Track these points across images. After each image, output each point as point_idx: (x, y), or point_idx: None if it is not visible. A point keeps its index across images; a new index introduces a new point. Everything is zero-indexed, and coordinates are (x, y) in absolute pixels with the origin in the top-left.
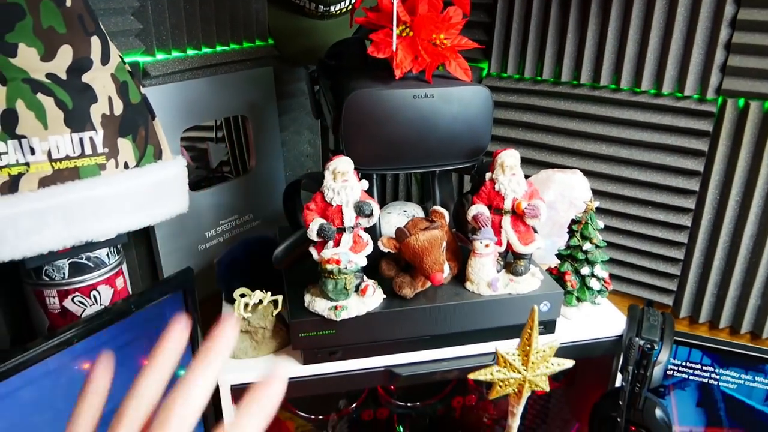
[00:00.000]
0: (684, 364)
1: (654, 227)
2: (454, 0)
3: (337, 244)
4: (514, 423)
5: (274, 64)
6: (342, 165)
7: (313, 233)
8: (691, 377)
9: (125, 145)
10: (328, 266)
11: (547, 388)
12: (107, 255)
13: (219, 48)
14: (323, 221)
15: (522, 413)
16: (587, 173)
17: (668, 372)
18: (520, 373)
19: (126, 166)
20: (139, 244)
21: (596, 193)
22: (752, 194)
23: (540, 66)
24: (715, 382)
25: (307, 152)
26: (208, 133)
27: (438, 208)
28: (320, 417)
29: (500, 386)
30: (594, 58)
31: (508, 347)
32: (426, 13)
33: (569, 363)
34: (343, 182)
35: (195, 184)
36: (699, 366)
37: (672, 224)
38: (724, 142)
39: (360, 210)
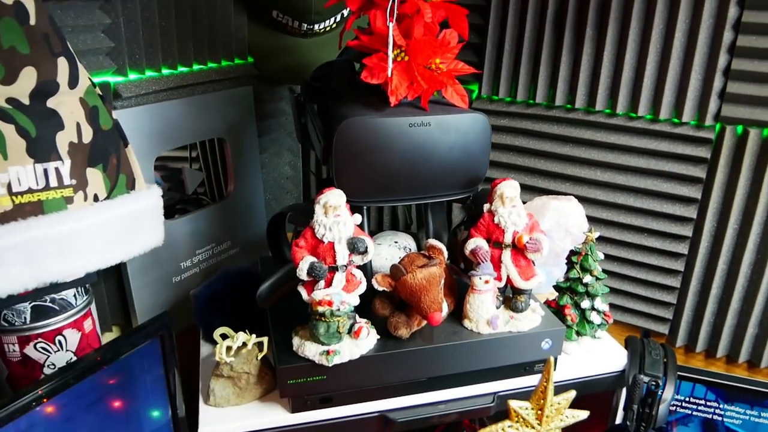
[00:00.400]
0: (687, 399)
1: (650, 255)
2: (450, 22)
3: (328, 283)
4: None
5: (253, 83)
6: (334, 199)
7: (303, 272)
8: (694, 413)
9: (95, 176)
10: (320, 308)
11: None
12: (74, 296)
13: (196, 67)
14: (314, 259)
15: None
16: (582, 199)
17: (671, 407)
18: (533, 428)
19: (96, 198)
20: (108, 278)
21: (591, 219)
22: (751, 222)
23: (533, 89)
24: (720, 418)
25: (288, 174)
26: (183, 153)
27: (435, 243)
28: None
29: None
30: (589, 82)
31: (520, 402)
32: (422, 37)
33: (583, 414)
34: (335, 217)
35: (169, 209)
36: (703, 401)
37: (668, 252)
38: (723, 170)
39: (354, 247)
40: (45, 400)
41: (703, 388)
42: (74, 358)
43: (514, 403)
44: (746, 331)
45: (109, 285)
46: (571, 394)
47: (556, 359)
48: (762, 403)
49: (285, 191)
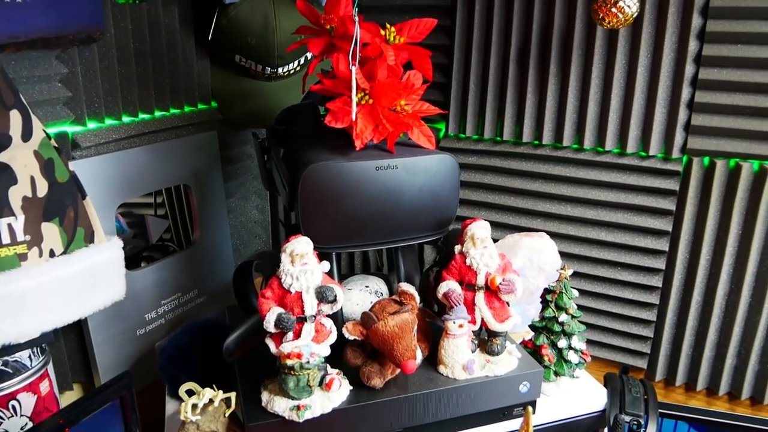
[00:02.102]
0: None
1: (624, 289)
2: (414, 64)
3: (297, 335)
4: None
5: (218, 128)
6: (300, 247)
7: (270, 324)
8: None
9: (51, 230)
10: (289, 361)
11: None
12: (29, 357)
13: (158, 113)
14: (281, 311)
15: None
16: (553, 235)
17: None
18: None
19: (52, 253)
20: (68, 333)
21: (563, 255)
22: (723, 253)
23: (500, 126)
24: None
25: (256, 218)
26: (148, 199)
27: (407, 287)
28: None
29: None
30: (555, 118)
31: None
32: (386, 80)
33: None
34: (303, 266)
35: (135, 257)
36: None
37: (643, 285)
38: (692, 201)
39: (323, 296)
40: None
41: (685, 425)
42: (30, 424)
43: None
44: (725, 362)
45: (69, 341)
46: None
47: (534, 402)
48: None
49: (253, 236)
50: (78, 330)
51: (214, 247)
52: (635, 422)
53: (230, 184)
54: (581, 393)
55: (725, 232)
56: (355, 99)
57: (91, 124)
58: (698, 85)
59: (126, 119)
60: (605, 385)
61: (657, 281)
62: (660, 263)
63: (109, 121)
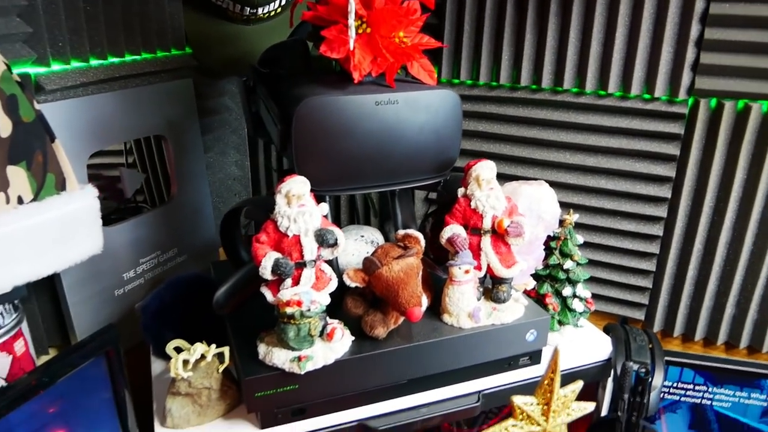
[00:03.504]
0: (675, 384)
1: (624, 238)
2: None
3: (296, 281)
4: None
5: (193, 76)
6: (297, 187)
7: (266, 271)
8: (682, 398)
9: (18, 175)
10: (288, 310)
11: None
12: (1, 314)
13: (128, 57)
14: (278, 255)
15: None
16: (552, 184)
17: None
18: (539, 425)
19: (20, 200)
20: (41, 293)
21: (562, 204)
22: (727, 200)
23: (496, 70)
24: (709, 402)
25: (235, 175)
26: (117, 158)
27: (412, 231)
28: None
29: None
30: (555, 60)
31: (525, 397)
32: (384, 6)
33: (590, 406)
34: (300, 207)
35: (104, 219)
36: (691, 386)
37: (643, 234)
38: (697, 145)
39: (322, 240)
40: None
41: (691, 372)
42: (4, 385)
43: (517, 399)
44: (724, 312)
45: (43, 302)
46: (578, 384)
47: (540, 351)
48: (751, 384)
49: (233, 193)
50: (52, 290)
51: (194, 203)
52: (643, 369)
53: (207, 137)
54: (585, 342)
55: (730, 178)
56: (353, 25)
57: (56, 66)
58: (708, 21)
59: (94, 62)
60: (608, 334)
61: (658, 230)
62: (662, 211)
63: (75, 63)
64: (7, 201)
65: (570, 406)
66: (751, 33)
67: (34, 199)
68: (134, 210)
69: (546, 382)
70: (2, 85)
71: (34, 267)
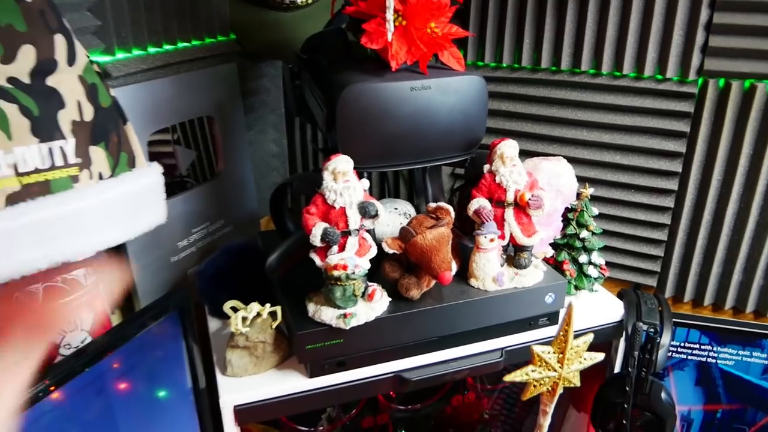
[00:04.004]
0: (682, 344)
1: (637, 210)
2: None
3: (341, 248)
4: (546, 422)
5: (237, 60)
6: (342, 164)
7: (316, 238)
8: (689, 357)
9: (98, 154)
10: (335, 273)
11: (579, 384)
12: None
13: (180, 45)
14: (326, 225)
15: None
16: (569, 159)
17: (668, 353)
18: (555, 371)
19: (101, 176)
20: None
21: (580, 179)
22: (734, 173)
23: (518, 53)
24: (714, 360)
25: (273, 152)
26: (166, 136)
27: (443, 204)
28: (319, 428)
29: (534, 386)
30: (573, 43)
31: (543, 347)
32: (419, 1)
33: (600, 356)
34: (345, 182)
35: None
36: (697, 345)
37: (655, 206)
38: (706, 123)
39: (365, 211)
40: (85, 369)
41: (697, 332)
42: (89, 338)
43: (537, 348)
44: (731, 278)
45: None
46: (589, 336)
47: (557, 313)
48: (753, 343)
49: (271, 169)
50: (118, 257)
51: (238, 178)
52: (652, 329)
53: (248, 117)
54: (600, 305)
55: (737, 152)
56: (391, 19)
57: (120, 55)
58: (717, 6)
59: (151, 50)
60: (621, 299)
61: (669, 202)
62: (673, 184)
63: (135, 52)
64: (91, 177)
65: (582, 355)
66: (756, 17)
67: (112, 175)
68: (180, 185)
69: (561, 333)
70: (86, 75)
71: (113, 235)
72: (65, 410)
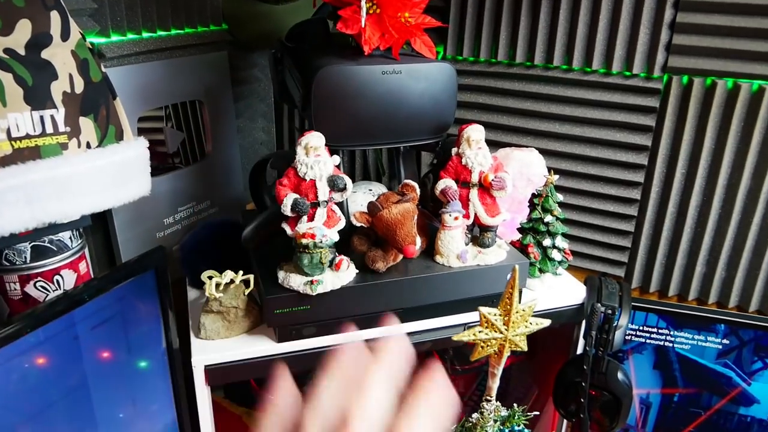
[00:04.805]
0: (641, 328)
1: (605, 202)
2: None
3: (311, 218)
4: (494, 384)
5: (228, 49)
6: (314, 140)
7: (287, 208)
8: (647, 341)
9: (87, 125)
10: (303, 241)
11: (525, 348)
12: (70, 238)
13: (174, 31)
14: (297, 196)
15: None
16: (542, 151)
17: (626, 337)
18: (501, 333)
19: (88, 145)
20: (96, 231)
21: (551, 170)
22: (697, 166)
23: (494, 48)
24: (671, 344)
25: (262, 139)
26: (157, 121)
27: (409, 181)
28: None
29: (482, 347)
30: (546, 40)
31: (489, 309)
32: None
33: (546, 322)
34: (316, 157)
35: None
36: (655, 329)
37: (622, 198)
38: (670, 117)
39: (334, 184)
40: (60, 315)
41: (655, 317)
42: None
43: (483, 309)
44: (695, 270)
45: (97, 239)
46: (534, 301)
47: (520, 292)
48: (708, 328)
49: (260, 155)
50: (104, 228)
51: (226, 161)
52: (609, 310)
53: (239, 105)
54: (563, 289)
55: (699, 146)
56: (364, 7)
57: (114, 37)
58: (680, 6)
59: (145, 34)
60: (585, 285)
61: (636, 194)
62: (639, 177)
63: (130, 35)
64: (79, 145)
65: (527, 319)
66: (717, 17)
67: (99, 146)
68: (170, 168)
69: (506, 296)
70: (78, 50)
71: (98, 200)
72: (37, 355)
